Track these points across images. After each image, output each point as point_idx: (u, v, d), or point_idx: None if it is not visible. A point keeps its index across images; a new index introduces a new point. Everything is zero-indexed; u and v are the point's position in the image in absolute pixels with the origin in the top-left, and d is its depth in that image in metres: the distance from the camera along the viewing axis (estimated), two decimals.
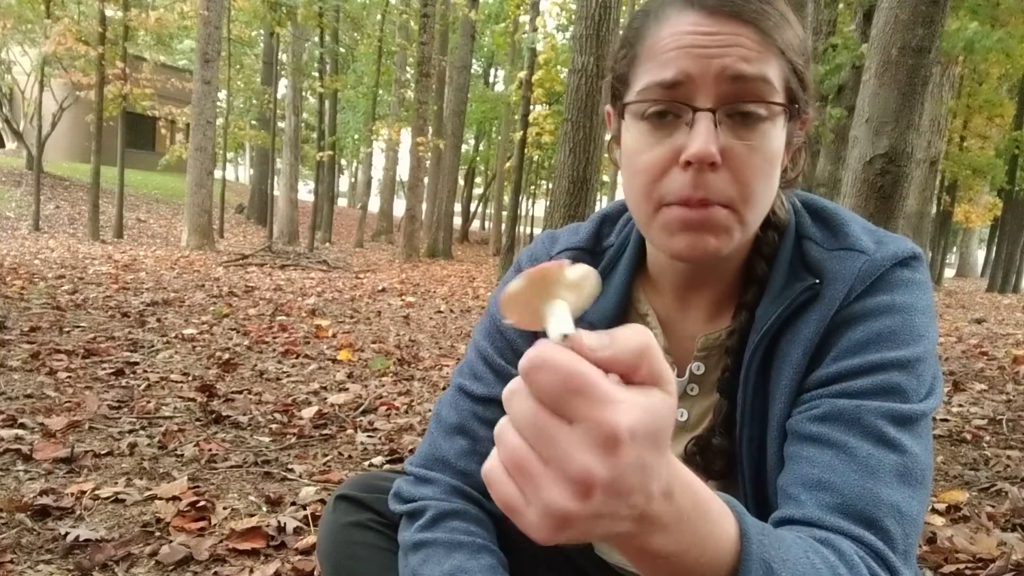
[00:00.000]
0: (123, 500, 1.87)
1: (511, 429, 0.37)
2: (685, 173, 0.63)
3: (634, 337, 0.37)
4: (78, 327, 4.26)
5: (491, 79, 32.11)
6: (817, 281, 0.68)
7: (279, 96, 18.53)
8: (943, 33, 3.52)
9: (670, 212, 0.64)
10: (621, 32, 0.74)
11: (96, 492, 1.90)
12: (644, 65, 0.65)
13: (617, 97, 0.70)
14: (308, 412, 2.82)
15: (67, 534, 1.64)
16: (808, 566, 0.50)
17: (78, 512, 1.78)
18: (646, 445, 0.35)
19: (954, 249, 33.56)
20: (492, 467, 0.38)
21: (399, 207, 19.93)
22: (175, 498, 1.89)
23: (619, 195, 0.86)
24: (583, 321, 0.79)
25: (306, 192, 29.78)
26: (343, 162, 36.52)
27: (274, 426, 2.64)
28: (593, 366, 0.35)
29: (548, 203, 7.13)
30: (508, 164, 18.12)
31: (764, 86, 0.62)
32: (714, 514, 0.44)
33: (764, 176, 0.64)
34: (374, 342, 4.65)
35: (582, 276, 0.43)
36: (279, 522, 1.78)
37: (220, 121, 15.10)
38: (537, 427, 0.36)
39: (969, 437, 2.88)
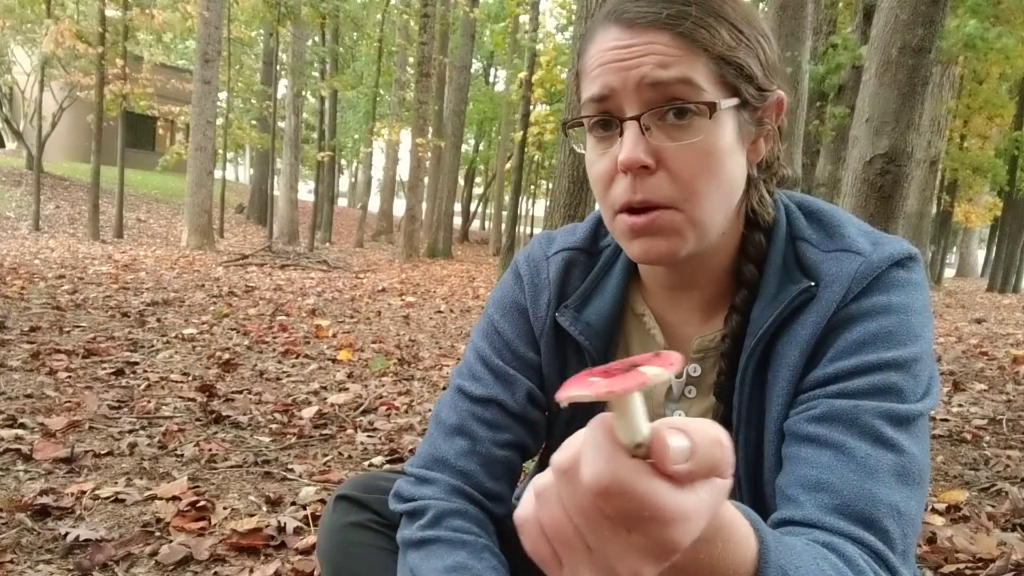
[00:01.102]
0: (123, 500, 1.87)
1: (559, 502, 0.36)
2: (625, 180, 0.65)
3: (715, 445, 0.35)
4: (78, 327, 4.26)
5: (491, 79, 32.11)
6: (812, 284, 0.69)
7: (279, 96, 18.53)
8: (943, 32, 3.52)
9: (620, 219, 0.67)
10: None
11: (96, 492, 1.89)
12: (583, 83, 0.69)
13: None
14: (308, 412, 2.82)
15: (67, 534, 1.64)
16: (818, 572, 0.50)
17: (78, 512, 1.78)
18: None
19: (954, 249, 33.56)
20: (528, 520, 0.38)
21: (399, 207, 19.92)
22: (175, 498, 1.89)
23: None
24: (581, 322, 0.79)
25: (306, 192, 29.78)
26: (343, 162, 36.52)
27: (274, 426, 2.64)
28: (667, 484, 0.34)
29: (548, 203, 7.13)
30: (508, 164, 18.13)
31: (686, 87, 0.63)
32: (738, 537, 0.44)
33: (706, 173, 0.65)
34: (374, 342, 4.65)
35: (656, 376, 0.35)
36: (279, 522, 1.78)
37: (220, 121, 15.10)
38: (593, 522, 0.35)
39: (969, 437, 2.88)
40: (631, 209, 0.66)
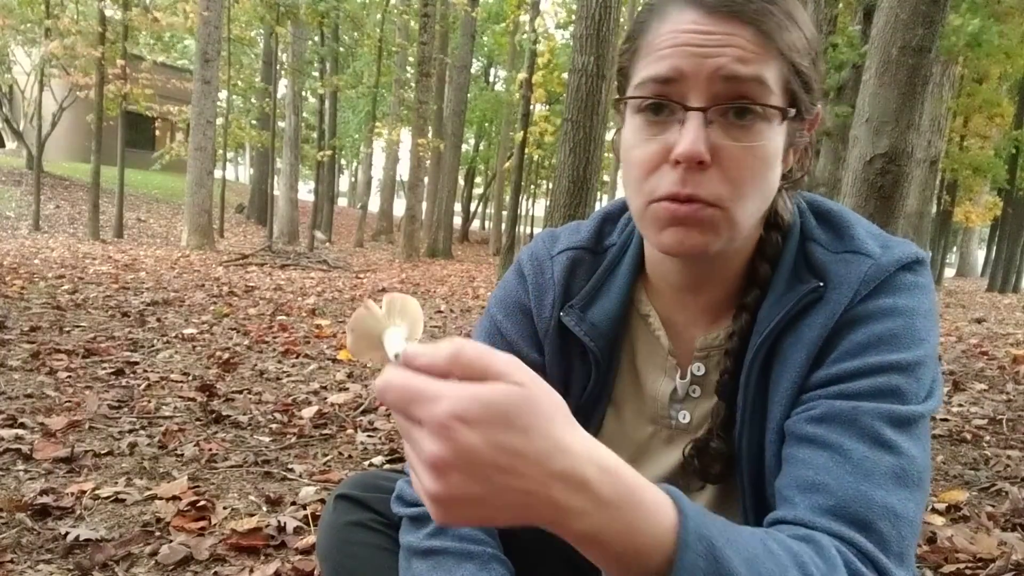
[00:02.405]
0: (123, 500, 1.87)
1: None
2: (675, 171, 0.63)
3: (446, 343, 0.43)
4: (78, 327, 4.26)
5: (491, 79, 32.10)
6: (820, 284, 0.68)
7: (279, 96, 18.52)
8: (944, 30, 3.52)
9: (659, 207, 0.65)
10: (627, 27, 0.74)
11: (96, 492, 1.90)
12: (643, 60, 0.65)
13: (620, 90, 0.70)
14: (308, 412, 2.82)
15: (67, 534, 1.64)
16: (761, 548, 0.49)
17: (78, 512, 1.78)
18: (493, 427, 0.40)
19: (954, 249, 33.56)
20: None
21: (399, 207, 19.92)
22: (175, 498, 1.89)
23: (619, 195, 0.85)
24: (586, 323, 0.78)
25: (306, 192, 29.77)
26: (343, 162, 36.51)
27: (274, 426, 2.64)
28: (423, 375, 0.42)
29: (548, 203, 7.13)
30: (508, 164, 18.12)
31: (759, 87, 0.62)
32: (648, 501, 0.45)
33: (757, 177, 0.64)
34: None
35: (390, 303, 0.50)
36: (279, 522, 1.78)
37: (220, 121, 15.10)
38: (403, 429, 0.43)
39: (969, 437, 2.87)
40: (674, 198, 0.64)
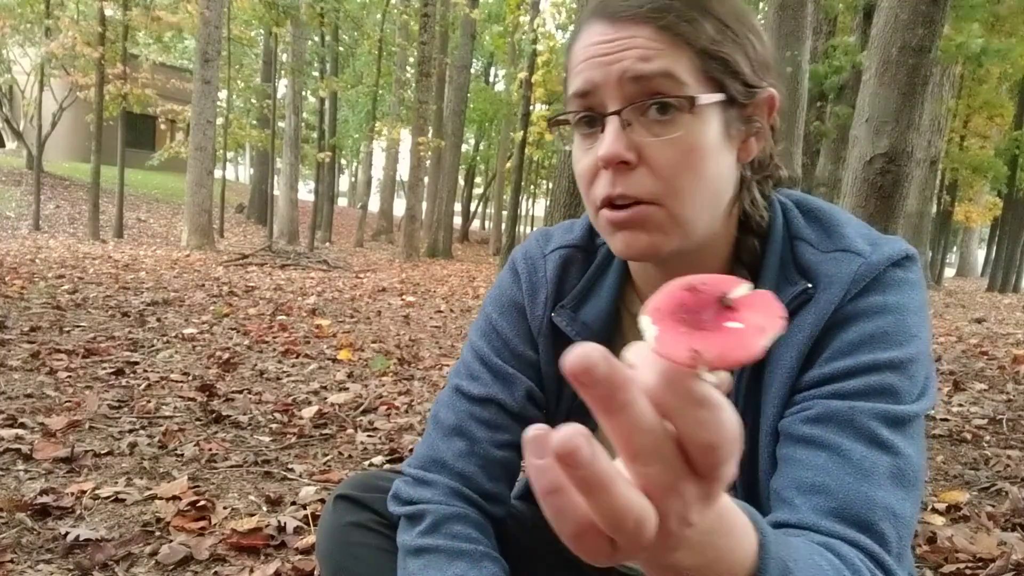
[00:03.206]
0: (123, 500, 1.87)
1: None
2: (606, 175, 0.65)
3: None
4: (78, 327, 4.26)
5: (491, 79, 32.10)
6: (810, 285, 0.68)
7: (279, 96, 18.52)
8: (944, 42, 3.52)
9: (603, 214, 0.67)
10: None
11: (96, 492, 1.89)
12: (568, 80, 0.69)
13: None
14: (308, 412, 2.82)
15: (67, 534, 1.64)
16: (815, 567, 0.50)
17: (78, 512, 1.78)
18: None
19: (954, 249, 33.56)
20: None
21: (399, 207, 19.93)
22: (175, 498, 1.89)
23: None
24: (577, 323, 0.79)
25: (306, 192, 29.78)
26: (343, 162, 36.51)
27: (274, 426, 2.64)
28: None
29: (548, 203, 7.13)
30: (508, 164, 18.12)
31: (667, 81, 0.63)
32: (738, 529, 0.42)
33: (689, 169, 0.64)
34: (374, 342, 4.65)
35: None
36: (279, 522, 1.78)
37: (220, 121, 15.10)
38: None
39: (969, 437, 2.88)
40: (612, 204, 0.66)
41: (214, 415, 2.68)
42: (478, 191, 34.73)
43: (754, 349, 0.30)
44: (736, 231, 0.73)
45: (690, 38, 0.63)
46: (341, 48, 19.93)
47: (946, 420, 3.13)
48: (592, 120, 0.66)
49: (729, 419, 0.32)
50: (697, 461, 0.32)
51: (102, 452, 2.21)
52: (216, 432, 2.52)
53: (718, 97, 0.65)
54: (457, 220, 24.25)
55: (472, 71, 22.04)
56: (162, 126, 17.38)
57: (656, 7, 0.63)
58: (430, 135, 15.24)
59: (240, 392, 3.10)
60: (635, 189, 0.64)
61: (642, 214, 0.65)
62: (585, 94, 0.65)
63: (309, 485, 2.08)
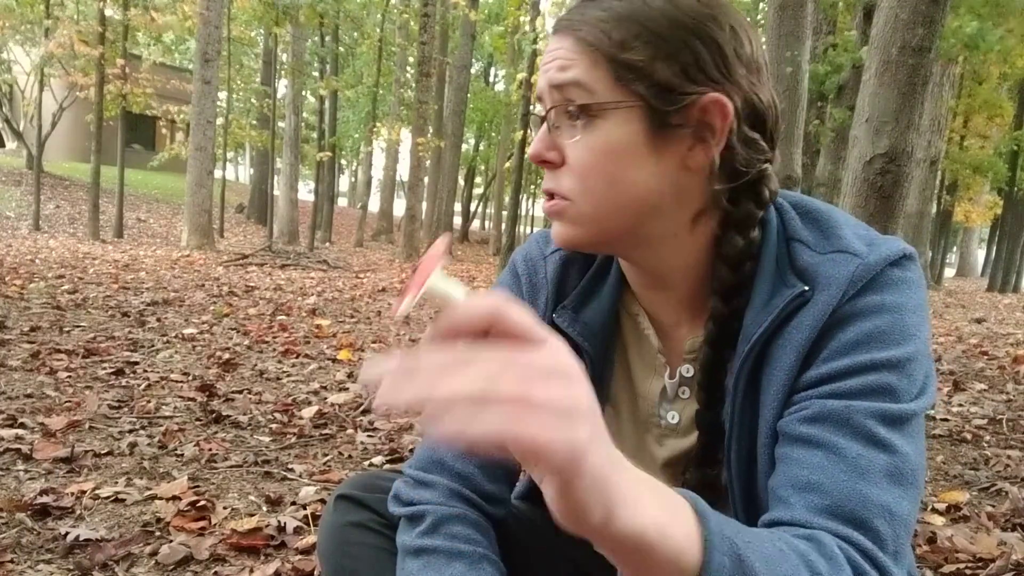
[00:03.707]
0: (123, 500, 1.87)
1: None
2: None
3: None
4: (78, 327, 4.27)
5: (491, 79, 32.10)
6: (807, 288, 0.67)
7: (279, 96, 18.52)
8: (943, 32, 3.52)
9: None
10: None
11: (96, 492, 1.90)
12: None
13: None
14: (308, 412, 2.82)
15: (67, 534, 1.64)
16: (774, 549, 0.50)
17: (78, 512, 1.78)
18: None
19: (954, 249, 33.58)
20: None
21: (399, 207, 19.92)
22: (175, 498, 1.89)
23: None
24: (579, 323, 0.79)
25: (306, 192, 29.77)
26: (343, 162, 36.51)
27: (274, 426, 2.64)
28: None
29: None
30: (508, 164, 18.12)
31: (576, 89, 0.66)
32: (669, 493, 0.46)
33: (596, 170, 0.67)
34: (374, 342, 4.65)
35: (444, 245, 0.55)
36: (279, 522, 1.78)
37: (220, 121, 15.09)
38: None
39: (969, 437, 2.88)
40: (547, 196, 0.72)
41: (214, 415, 2.68)
42: (478, 191, 34.74)
43: (426, 269, 0.53)
44: (711, 247, 0.72)
45: (603, 48, 0.66)
46: (341, 48, 19.93)
47: (946, 420, 3.13)
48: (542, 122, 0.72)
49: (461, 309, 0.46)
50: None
51: (102, 452, 2.21)
52: (216, 432, 2.52)
53: (631, 103, 0.65)
54: (457, 220, 24.27)
55: (472, 71, 22.04)
56: (163, 130, 17.39)
57: (581, 19, 0.67)
58: (430, 135, 15.24)
59: (240, 392, 3.10)
60: (555, 185, 0.70)
61: (557, 207, 0.70)
62: (539, 99, 0.71)
63: (309, 485, 2.08)
